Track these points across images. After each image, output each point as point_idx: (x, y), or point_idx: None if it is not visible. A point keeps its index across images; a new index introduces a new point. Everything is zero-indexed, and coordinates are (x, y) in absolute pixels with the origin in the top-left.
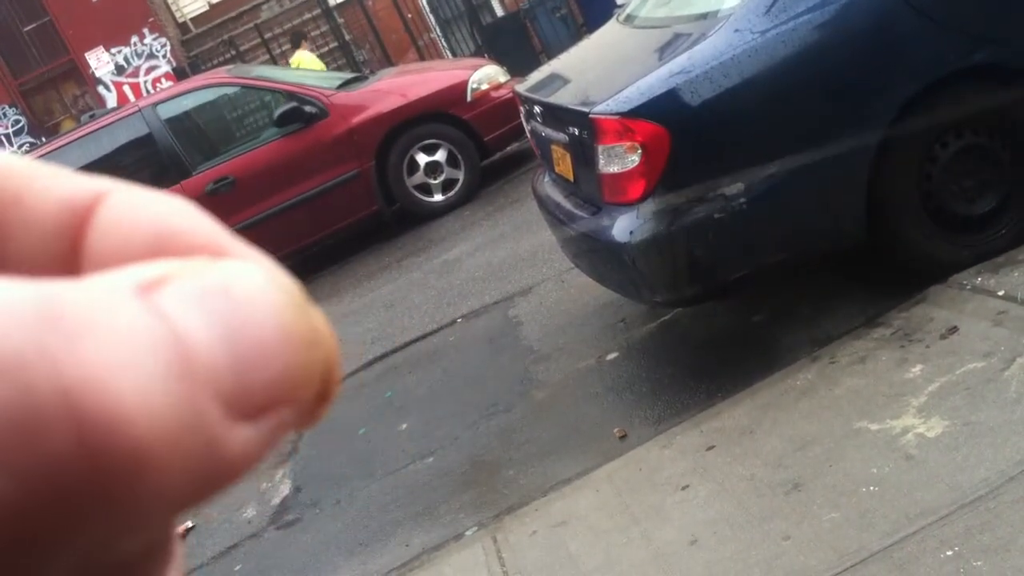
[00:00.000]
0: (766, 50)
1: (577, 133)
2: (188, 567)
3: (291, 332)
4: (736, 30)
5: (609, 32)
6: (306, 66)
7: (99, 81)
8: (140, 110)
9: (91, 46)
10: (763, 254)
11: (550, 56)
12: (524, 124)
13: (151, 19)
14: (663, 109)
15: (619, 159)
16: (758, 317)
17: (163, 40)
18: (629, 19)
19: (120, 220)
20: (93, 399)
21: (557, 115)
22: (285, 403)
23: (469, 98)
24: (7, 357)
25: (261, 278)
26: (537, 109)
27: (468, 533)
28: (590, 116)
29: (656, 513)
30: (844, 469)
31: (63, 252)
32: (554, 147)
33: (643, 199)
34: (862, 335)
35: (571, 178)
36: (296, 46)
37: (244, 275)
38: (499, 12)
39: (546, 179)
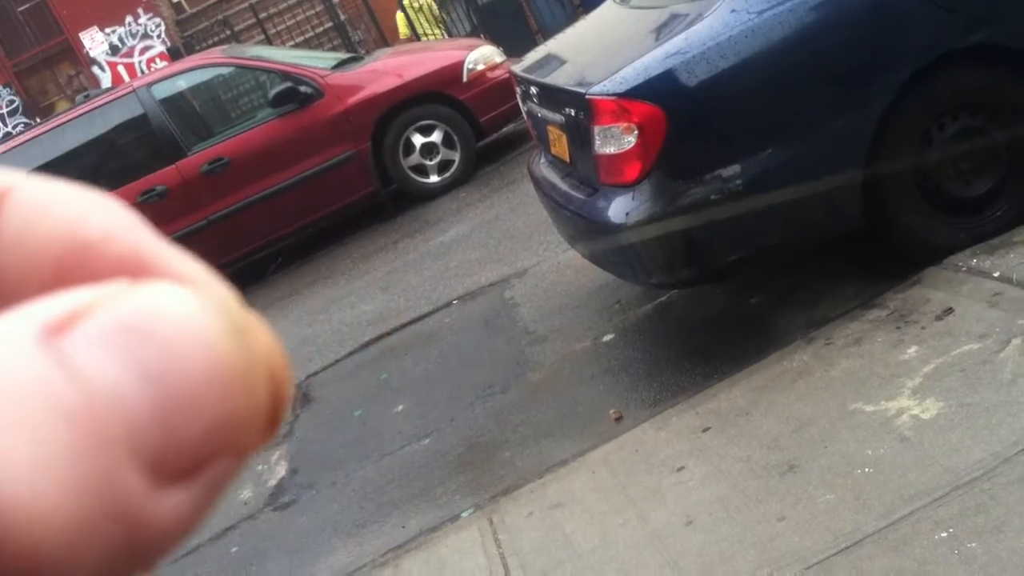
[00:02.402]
0: (763, 31)
1: (573, 114)
2: (184, 548)
3: (227, 370)
4: (733, 10)
5: (606, 12)
6: (425, 6)
7: (93, 61)
8: (135, 90)
9: (85, 26)
10: (759, 236)
11: (546, 36)
12: (520, 105)
13: None
14: (659, 90)
15: (615, 140)
16: (754, 299)
17: (157, 20)
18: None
19: (25, 228)
20: None
21: (553, 96)
22: (223, 453)
23: (465, 79)
24: None
25: (188, 304)
26: (533, 90)
27: (464, 515)
28: (586, 97)
29: (652, 494)
30: (839, 450)
31: None
32: (550, 128)
33: (639, 180)
34: (858, 317)
35: (567, 159)
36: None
37: (168, 303)
38: None
39: (542, 160)
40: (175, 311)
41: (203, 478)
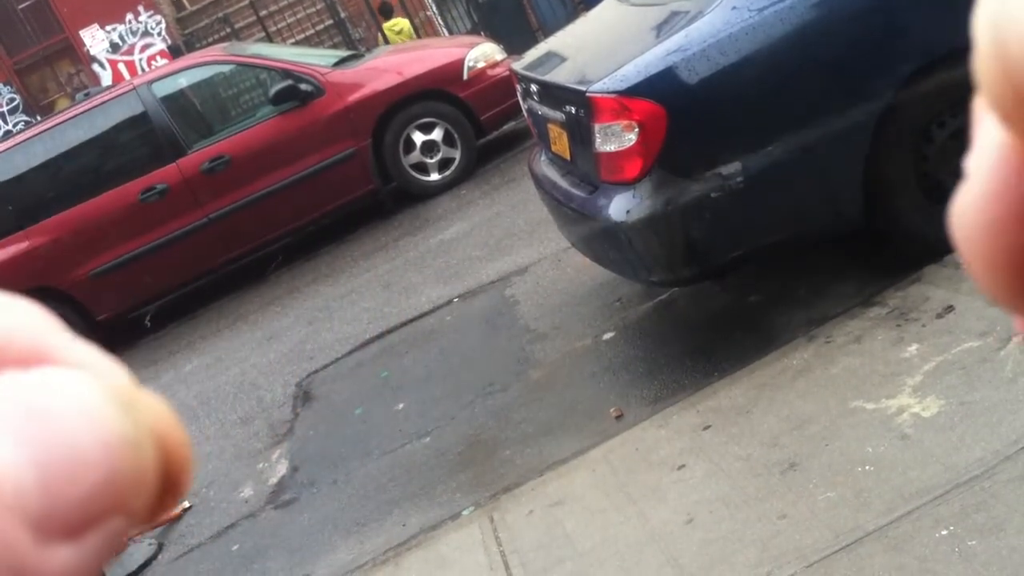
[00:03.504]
0: (763, 28)
1: (574, 112)
2: (185, 546)
3: (108, 437)
4: (733, 8)
5: (606, 10)
6: (406, 30)
7: (94, 59)
8: (135, 88)
9: (86, 24)
10: (760, 234)
11: (547, 34)
12: (521, 103)
13: None
14: (660, 88)
15: (616, 138)
16: (754, 297)
17: (158, 18)
18: None
19: None
20: None
21: (554, 94)
22: (111, 512)
23: (466, 76)
24: None
25: (75, 382)
26: (534, 87)
27: (465, 513)
28: (587, 95)
29: (652, 493)
30: (840, 448)
31: None
32: (551, 126)
33: (640, 178)
34: (858, 315)
35: (568, 157)
36: (388, 16)
37: (56, 385)
38: None
39: (543, 158)
40: (63, 393)
41: (91, 536)
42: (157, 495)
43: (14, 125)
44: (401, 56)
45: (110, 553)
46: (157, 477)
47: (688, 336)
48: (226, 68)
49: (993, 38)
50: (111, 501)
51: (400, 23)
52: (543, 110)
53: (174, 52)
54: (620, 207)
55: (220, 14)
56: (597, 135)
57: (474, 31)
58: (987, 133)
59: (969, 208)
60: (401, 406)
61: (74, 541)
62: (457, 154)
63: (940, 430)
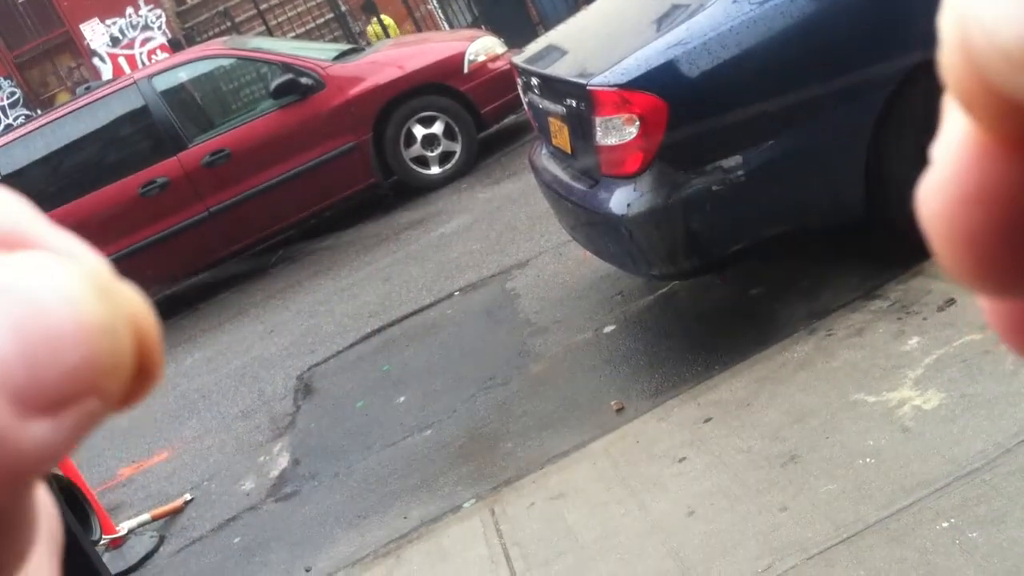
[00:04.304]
0: (764, 21)
1: (575, 105)
2: (187, 539)
3: (87, 321)
4: (734, 1)
5: (607, 3)
6: (391, 27)
7: (94, 53)
8: (135, 82)
9: (86, 18)
10: (761, 227)
11: (548, 27)
12: (521, 96)
13: None
14: (661, 81)
15: (617, 131)
16: (756, 290)
17: (158, 12)
18: None
19: None
20: None
21: (554, 87)
22: (88, 393)
23: (466, 70)
24: None
25: (55, 267)
26: (534, 81)
27: (466, 505)
28: (588, 88)
29: (653, 485)
30: (841, 441)
31: None
32: (551, 119)
33: (641, 172)
34: (859, 307)
35: (569, 150)
36: (375, 13)
37: (36, 268)
38: None
39: (543, 151)
40: (43, 274)
41: (68, 414)
42: (131, 380)
43: (14, 119)
44: (402, 50)
45: (84, 433)
46: (132, 363)
47: (689, 329)
48: (227, 62)
49: (957, 33)
50: (89, 382)
51: (384, 20)
52: (544, 104)
53: (174, 46)
54: (621, 200)
55: (220, 8)
56: (598, 128)
57: (475, 24)
58: (952, 121)
59: (932, 191)
60: (402, 399)
61: (52, 417)
62: (458, 148)
63: (941, 423)
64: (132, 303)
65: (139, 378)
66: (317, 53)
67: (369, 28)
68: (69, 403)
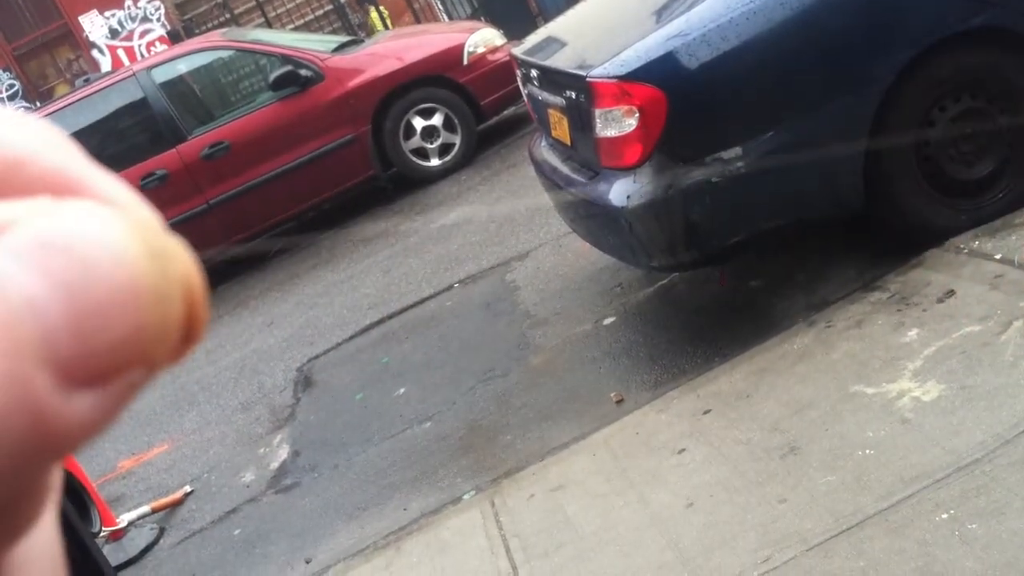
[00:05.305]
0: (764, 12)
1: (574, 97)
2: (187, 531)
3: (140, 286)
4: None
5: None
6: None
7: (93, 45)
8: (135, 74)
9: (85, 9)
10: (760, 219)
11: (547, 19)
12: (521, 88)
13: None
14: (661, 72)
15: (616, 123)
16: (755, 282)
17: (157, 3)
18: None
19: None
20: None
21: (554, 79)
22: (135, 364)
23: (466, 62)
24: None
25: (108, 224)
26: (534, 73)
27: (466, 497)
28: (587, 79)
29: (653, 477)
30: (840, 433)
31: None
32: (551, 111)
33: (640, 163)
34: (859, 299)
35: (568, 142)
36: (372, 2)
37: (89, 221)
38: None
39: (543, 143)
40: (94, 229)
41: (113, 385)
42: (176, 344)
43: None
44: (401, 42)
45: (126, 405)
46: (181, 327)
47: (688, 321)
48: (226, 54)
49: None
50: (137, 352)
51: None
52: (543, 95)
53: (173, 38)
54: (620, 192)
55: None
56: (597, 120)
57: (474, 16)
58: None
59: None
60: (402, 391)
61: (96, 389)
62: (457, 139)
63: (940, 414)
64: (183, 263)
65: (183, 340)
66: (316, 45)
67: (372, 13)
68: (115, 374)
